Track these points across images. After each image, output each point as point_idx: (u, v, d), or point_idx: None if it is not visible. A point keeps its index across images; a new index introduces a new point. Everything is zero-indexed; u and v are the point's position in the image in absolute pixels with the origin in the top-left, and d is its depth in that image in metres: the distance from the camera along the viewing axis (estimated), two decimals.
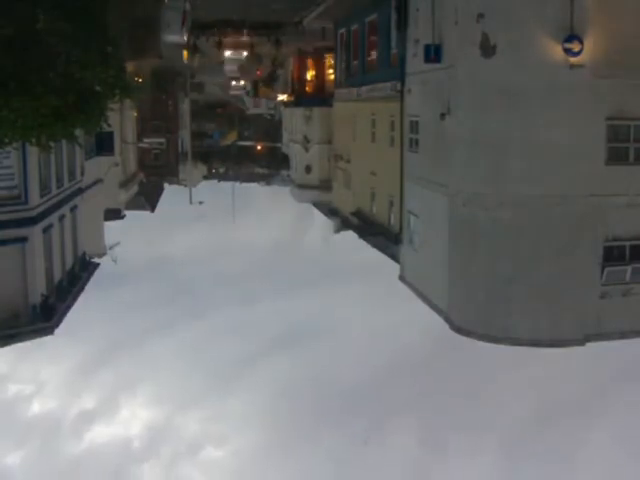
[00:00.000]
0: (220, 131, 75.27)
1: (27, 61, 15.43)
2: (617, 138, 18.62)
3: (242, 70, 52.81)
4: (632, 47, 18.20)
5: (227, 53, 48.31)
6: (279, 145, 61.08)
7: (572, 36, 17.87)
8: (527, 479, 26.65)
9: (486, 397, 29.28)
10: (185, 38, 39.71)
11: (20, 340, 20.03)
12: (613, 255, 18.78)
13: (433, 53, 20.19)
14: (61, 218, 23.75)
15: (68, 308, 22.31)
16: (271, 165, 63.55)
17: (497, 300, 19.21)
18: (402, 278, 23.86)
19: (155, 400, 31.07)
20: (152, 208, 47.78)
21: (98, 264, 27.62)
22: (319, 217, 39.66)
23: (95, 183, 30.11)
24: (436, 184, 20.80)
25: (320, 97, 42.32)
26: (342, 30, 34.48)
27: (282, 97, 52.73)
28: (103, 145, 30.26)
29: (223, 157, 69.67)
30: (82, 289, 24.56)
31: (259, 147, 72.41)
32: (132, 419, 30.83)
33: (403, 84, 23.82)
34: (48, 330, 20.61)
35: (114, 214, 35.11)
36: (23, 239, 20.41)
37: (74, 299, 23.35)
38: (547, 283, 18.72)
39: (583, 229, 18.66)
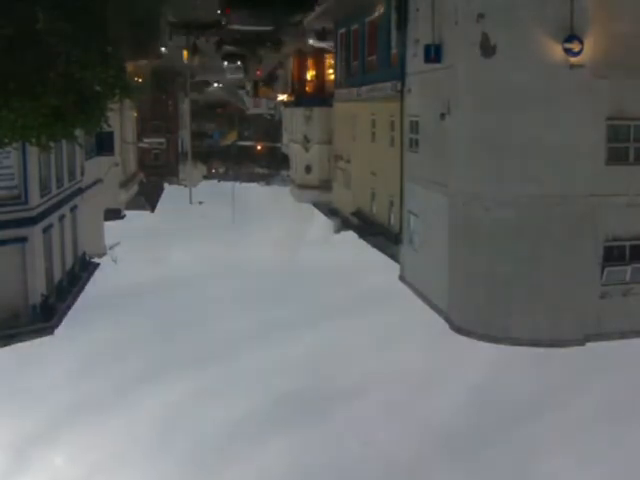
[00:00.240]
0: (220, 131, 75.35)
1: (27, 61, 15.42)
2: (617, 138, 18.62)
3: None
4: (632, 47, 18.20)
5: (225, 63, 48.60)
6: (279, 145, 61.10)
7: (572, 36, 17.87)
8: None
9: (487, 397, 29.28)
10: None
11: (20, 340, 20.03)
12: (613, 255, 18.78)
13: (433, 53, 20.18)
14: (61, 218, 23.74)
15: (68, 308, 22.31)
16: (271, 165, 63.62)
17: (497, 300, 19.20)
18: (402, 278, 23.86)
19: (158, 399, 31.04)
20: (152, 208, 47.83)
21: (98, 264, 27.64)
22: (319, 217, 39.69)
23: (95, 183, 30.10)
24: (436, 184, 20.80)
25: (320, 97, 42.32)
26: (342, 30, 34.47)
27: (282, 97, 52.75)
28: (103, 145, 30.26)
29: (223, 157, 69.75)
30: (82, 289, 24.57)
31: (259, 147, 72.46)
32: (132, 420, 30.77)
33: (403, 84, 23.81)
34: (48, 330, 20.61)
35: (114, 214, 35.12)
36: (23, 239, 20.40)
37: (74, 299, 23.35)
38: (547, 283, 18.72)
39: (583, 229, 18.65)
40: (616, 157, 18.59)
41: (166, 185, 56.19)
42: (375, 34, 28.84)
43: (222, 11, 34.40)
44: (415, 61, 22.39)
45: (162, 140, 58.02)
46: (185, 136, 61.75)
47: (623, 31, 18.14)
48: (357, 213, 30.43)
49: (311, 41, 38.50)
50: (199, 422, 29.53)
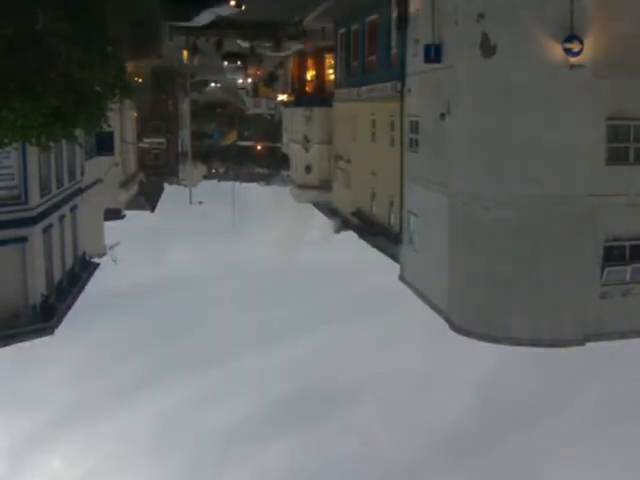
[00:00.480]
0: (220, 131, 75.35)
1: (27, 61, 15.41)
2: (617, 138, 18.63)
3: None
4: (632, 47, 18.20)
5: (225, 63, 48.64)
6: (279, 145, 61.08)
7: (572, 36, 17.88)
8: None
9: (487, 397, 29.27)
10: None
11: (20, 340, 20.02)
12: (613, 255, 18.78)
13: (433, 53, 20.19)
14: (61, 218, 23.74)
15: (68, 308, 22.31)
16: (271, 165, 63.60)
17: (497, 300, 19.21)
18: (402, 278, 23.86)
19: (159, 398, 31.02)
20: (152, 208, 47.80)
21: (98, 264, 27.63)
22: (319, 217, 39.68)
23: (95, 183, 30.10)
24: (436, 184, 20.80)
25: (320, 97, 42.32)
26: (342, 30, 34.48)
27: (282, 97, 52.73)
28: (103, 145, 30.26)
29: (223, 157, 69.74)
30: (82, 289, 24.56)
31: (259, 147, 72.45)
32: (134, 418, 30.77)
33: (403, 84, 23.82)
34: (48, 330, 20.61)
35: (114, 214, 35.10)
36: (23, 239, 20.39)
37: (74, 299, 23.35)
38: (547, 283, 18.72)
39: (583, 229, 18.65)
40: (616, 157, 18.59)
41: (166, 185, 56.17)
42: (375, 34, 28.84)
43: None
44: (415, 61, 22.39)
45: (162, 140, 58.02)
46: (185, 136, 61.78)
47: (623, 31, 18.15)
48: (357, 213, 30.43)
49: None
50: (198, 423, 29.52)
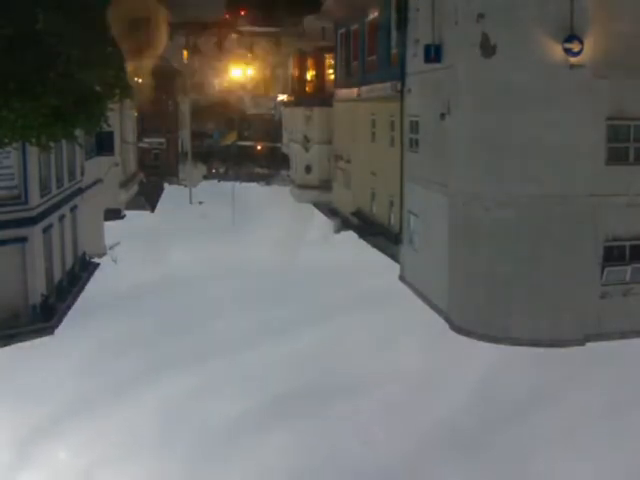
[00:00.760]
0: (220, 131, 75.24)
1: (27, 61, 15.43)
2: (617, 138, 18.63)
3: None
4: (632, 47, 18.21)
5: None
6: (279, 145, 61.04)
7: (572, 36, 17.88)
8: None
9: (487, 397, 29.25)
10: None
11: (20, 340, 20.02)
12: (613, 255, 18.78)
13: (433, 53, 20.20)
14: (61, 218, 23.74)
15: (68, 308, 22.31)
16: (271, 165, 63.53)
17: (497, 300, 19.21)
18: (402, 278, 23.87)
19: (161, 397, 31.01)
20: (152, 208, 47.79)
21: (98, 264, 27.63)
22: (319, 217, 39.65)
23: (95, 183, 30.09)
24: (436, 184, 20.80)
25: (320, 97, 42.30)
26: (342, 30, 34.48)
27: (282, 97, 52.73)
28: (103, 145, 30.25)
29: (223, 157, 69.65)
30: (82, 289, 24.56)
31: (259, 147, 72.36)
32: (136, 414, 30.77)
33: (403, 84, 23.82)
34: (48, 330, 20.61)
35: (114, 214, 35.09)
36: (23, 239, 20.40)
37: (74, 299, 23.35)
38: (547, 283, 18.72)
39: (583, 229, 18.65)
40: (616, 157, 18.60)
41: (166, 185, 56.11)
42: (375, 34, 28.84)
43: (231, 11, 34.35)
44: (415, 61, 22.39)
45: (162, 140, 57.97)
46: (185, 136, 61.74)
47: (623, 31, 18.15)
48: (357, 213, 30.44)
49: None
50: (198, 422, 29.50)
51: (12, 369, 24.75)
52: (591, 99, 18.18)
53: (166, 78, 55.43)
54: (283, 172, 55.61)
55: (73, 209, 25.49)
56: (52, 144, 17.77)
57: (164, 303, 35.57)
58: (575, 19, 17.86)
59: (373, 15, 28.82)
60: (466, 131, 19.21)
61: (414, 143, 23.05)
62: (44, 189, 21.77)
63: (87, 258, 27.19)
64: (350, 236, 30.02)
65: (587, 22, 17.91)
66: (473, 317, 19.50)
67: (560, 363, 22.52)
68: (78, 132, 19.25)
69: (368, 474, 26.97)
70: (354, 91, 31.10)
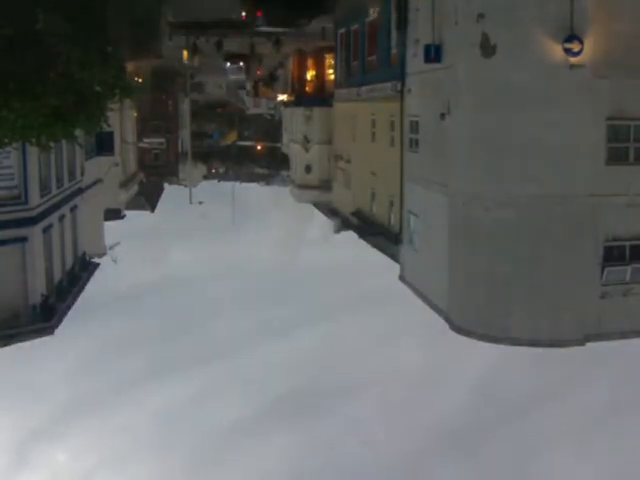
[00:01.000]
0: (220, 131, 75.24)
1: (27, 61, 15.43)
2: (617, 138, 18.62)
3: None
4: (632, 47, 18.20)
5: (227, 64, 48.72)
6: (279, 145, 61.05)
7: (572, 36, 17.87)
8: None
9: (486, 397, 29.28)
10: None
11: (20, 340, 20.02)
12: (613, 255, 18.77)
13: (433, 53, 20.19)
14: (61, 218, 23.74)
15: (68, 308, 22.30)
16: (271, 165, 63.57)
17: (497, 300, 19.21)
18: (402, 278, 23.86)
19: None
20: (152, 208, 47.83)
21: (98, 264, 27.63)
22: (319, 217, 39.66)
23: (95, 183, 30.10)
24: (436, 184, 20.80)
25: (320, 97, 42.30)
26: (342, 30, 34.47)
27: (282, 97, 52.73)
28: (103, 145, 30.26)
29: (223, 157, 69.67)
30: (82, 289, 24.56)
31: (259, 147, 72.38)
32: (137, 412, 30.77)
33: (403, 84, 23.81)
34: (48, 330, 20.61)
35: (114, 214, 35.11)
36: (23, 239, 20.40)
37: (74, 299, 23.35)
38: (547, 283, 18.72)
39: (583, 229, 18.65)
40: (616, 157, 18.59)
41: (166, 185, 56.18)
42: (375, 34, 28.83)
43: (249, 12, 34.33)
44: (415, 61, 22.39)
45: (162, 140, 58.02)
46: (185, 136, 61.73)
47: (623, 31, 18.14)
48: (357, 213, 30.42)
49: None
50: (198, 422, 29.51)
51: (12, 369, 24.78)
52: (591, 99, 18.17)
53: (166, 78, 55.51)
54: (283, 172, 55.63)
55: (73, 209, 25.49)
56: (52, 144, 17.75)
57: (164, 303, 35.62)
58: (575, 19, 17.85)
59: (373, 15, 28.81)
60: (466, 131, 19.21)
61: (414, 143, 23.05)
62: (44, 189, 21.78)
63: (87, 258, 27.19)
64: (350, 236, 30.03)
65: (587, 22, 17.90)
66: (473, 317, 19.49)
67: (560, 363, 22.53)
68: (78, 132, 19.24)
69: (368, 474, 26.98)
70: (354, 91, 31.09)
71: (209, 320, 35.13)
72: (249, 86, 62.01)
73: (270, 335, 33.38)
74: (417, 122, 22.75)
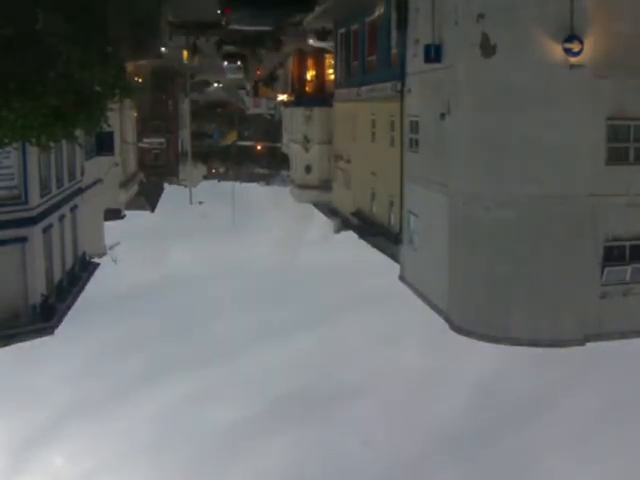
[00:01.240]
0: (220, 131, 75.31)
1: (27, 61, 15.42)
2: (617, 138, 18.62)
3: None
4: (632, 47, 18.20)
5: (225, 63, 48.66)
6: (279, 145, 61.07)
7: (572, 36, 17.87)
8: None
9: (486, 397, 29.28)
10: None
11: (20, 340, 20.03)
12: (613, 255, 18.77)
13: (433, 53, 20.18)
14: (61, 218, 23.75)
15: (68, 308, 22.30)
16: (271, 165, 63.59)
17: (497, 300, 19.20)
18: (402, 278, 23.85)
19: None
20: (152, 208, 47.84)
21: (98, 264, 27.63)
22: (319, 217, 39.68)
23: (95, 183, 30.11)
24: (436, 184, 20.80)
25: (320, 97, 42.28)
26: (342, 30, 34.47)
27: (282, 97, 52.73)
28: (103, 145, 30.27)
29: (223, 157, 69.73)
30: (82, 289, 24.56)
31: (259, 147, 72.41)
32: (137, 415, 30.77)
33: (403, 84, 23.81)
34: (48, 330, 20.61)
35: (114, 214, 35.12)
36: (23, 239, 20.40)
37: (74, 299, 23.34)
38: (547, 283, 18.71)
39: (583, 229, 18.64)
40: (616, 157, 18.58)
41: (166, 185, 56.22)
42: (375, 34, 28.83)
43: (221, 11, 34.40)
44: (415, 61, 22.39)
45: (162, 140, 58.01)
46: (185, 136, 61.77)
47: (623, 31, 18.13)
48: (357, 213, 30.42)
49: (311, 41, 38.57)
50: (198, 421, 29.53)
51: (12, 369, 24.79)
52: (591, 99, 18.16)
53: (166, 78, 55.50)
54: (283, 172, 55.64)
55: (73, 209, 25.49)
56: (52, 144, 17.74)
57: (164, 303, 35.67)
58: (575, 19, 17.84)
59: (373, 15, 28.81)
60: (466, 131, 19.20)
61: (414, 143, 23.05)
62: (44, 189, 21.78)
63: (87, 258, 27.19)
64: (350, 236, 30.04)
65: (587, 22, 17.90)
66: (473, 317, 19.49)
67: (560, 363, 22.57)
68: (78, 132, 19.24)
69: (368, 474, 26.98)
70: (354, 91, 31.08)
71: (209, 320, 35.19)
72: (249, 86, 62.01)
73: (270, 335, 33.41)
74: (417, 122, 22.75)
